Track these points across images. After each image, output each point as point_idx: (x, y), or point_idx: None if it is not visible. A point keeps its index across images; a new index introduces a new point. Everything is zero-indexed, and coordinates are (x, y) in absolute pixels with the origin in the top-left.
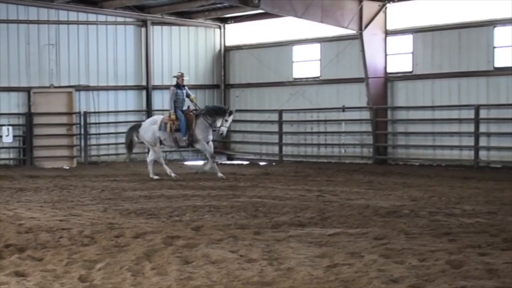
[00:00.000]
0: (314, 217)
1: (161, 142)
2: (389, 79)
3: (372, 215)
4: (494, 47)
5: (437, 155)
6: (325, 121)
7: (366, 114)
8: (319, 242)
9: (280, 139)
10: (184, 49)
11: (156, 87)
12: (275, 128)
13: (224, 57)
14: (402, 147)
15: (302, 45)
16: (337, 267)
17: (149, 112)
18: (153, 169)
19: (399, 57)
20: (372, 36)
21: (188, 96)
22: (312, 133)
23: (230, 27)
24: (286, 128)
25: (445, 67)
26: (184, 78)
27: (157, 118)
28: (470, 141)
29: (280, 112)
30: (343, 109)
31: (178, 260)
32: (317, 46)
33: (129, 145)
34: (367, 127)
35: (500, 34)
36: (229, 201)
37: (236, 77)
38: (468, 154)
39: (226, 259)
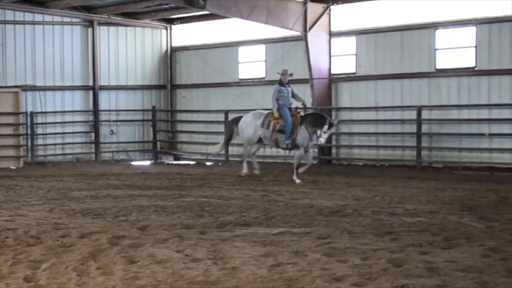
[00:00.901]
0: (259, 217)
1: (260, 140)
2: (333, 80)
3: (316, 215)
4: (436, 49)
5: (380, 155)
6: None
7: None
8: (264, 241)
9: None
10: (130, 50)
11: (103, 88)
12: (221, 128)
13: (171, 57)
14: (346, 147)
15: (248, 46)
16: (281, 266)
17: (96, 113)
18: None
19: (343, 58)
20: (316, 38)
21: (293, 96)
22: None
23: (176, 28)
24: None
25: (388, 69)
26: (288, 77)
27: (261, 113)
28: (412, 142)
29: (226, 113)
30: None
31: (123, 260)
32: (262, 47)
33: (229, 138)
34: None
35: (441, 36)
36: (175, 201)
37: (182, 77)
38: (410, 154)
39: (172, 258)
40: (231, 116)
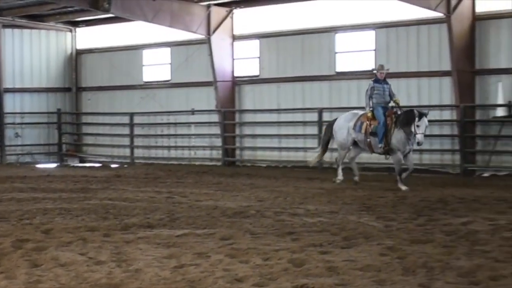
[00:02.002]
0: (163, 219)
1: (356, 144)
2: (237, 82)
3: (220, 216)
4: (336, 53)
5: (283, 156)
6: (175, 123)
7: (215, 117)
8: (167, 243)
9: (131, 141)
10: (35, 52)
11: (7, 90)
12: (126, 130)
13: (76, 60)
14: (249, 149)
15: (152, 49)
16: (184, 268)
17: (0, 115)
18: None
19: (246, 61)
20: (220, 41)
21: (391, 95)
22: (162, 135)
23: (81, 31)
24: (137, 130)
25: (289, 72)
26: (383, 72)
27: (355, 114)
28: (314, 143)
29: (131, 115)
30: (193, 112)
31: (27, 263)
32: (167, 50)
33: (326, 143)
34: (216, 130)
35: (341, 40)
36: (80, 204)
37: (88, 80)
38: (312, 156)
39: (75, 261)
40: (136, 119)
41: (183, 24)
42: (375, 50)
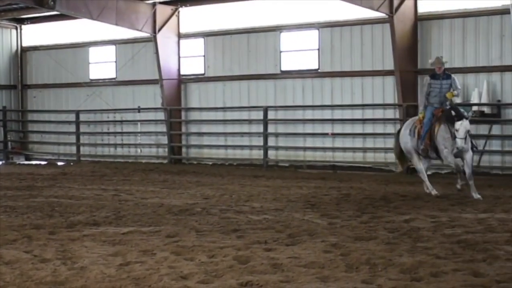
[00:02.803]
0: (109, 216)
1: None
2: (183, 81)
3: (166, 214)
4: (281, 51)
5: (229, 154)
6: (122, 121)
7: (161, 115)
8: (113, 240)
9: (78, 139)
10: None
11: None
12: (72, 128)
13: (21, 57)
14: (196, 147)
15: (98, 46)
16: (129, 265)
17: None
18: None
19: (192, 59)
20: (165, 39)
21: (454, 90)
22: (109, 133)
23: (27, 28)
24: (83, 128)
25: (235, 70)
26: (442, 65)
27: (413, 119)
28: (259, 141)
29: (77, 113)
30: (139, 110)
31: None
32: (112, 48)
33: (399, 155)
34: (162, 128)
35: (286, 39)
36: (26, 201)
37: (33, 77)
38: (257, 154)
39: (20, 259)
40: (82, 116)
41: (128, 22)
42: (319, 49)
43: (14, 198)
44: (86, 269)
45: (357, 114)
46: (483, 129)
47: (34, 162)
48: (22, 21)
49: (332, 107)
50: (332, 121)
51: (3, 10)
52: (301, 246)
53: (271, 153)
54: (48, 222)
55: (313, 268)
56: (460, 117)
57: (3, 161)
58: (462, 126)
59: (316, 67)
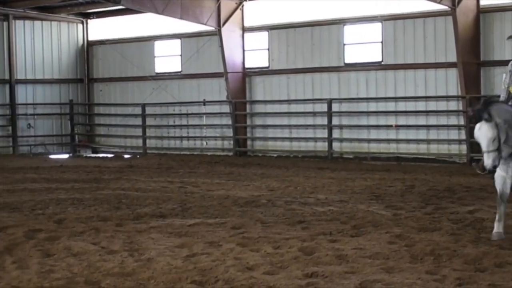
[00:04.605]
0: (175, 208)
1: None
2: (247, 74)
3: (231, 205)
4: (344, 44)
5: (293, 146)
6: (187, 114)
7: (226, 108)
8: (179, 232)
9: (144, 132)
10: (47, 44)
11: (19, 81)
12: (138, 121)
13: (87, 51)
14: (260, 139)
15: (163, 40)
16: (195, 257)
17: (12, 106)
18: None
19: (256, 53)
20: (230, 33)
21: None
22: (174, 126)
23: (92, 22)
24: (149, 121)
25: (299, 63)
26: None
27: None
28: (323, 133)
29: (143, 106)
30: (204, 103)
31: (39, 253)
32: (177, 42)
33: None
34: (227, 120)
35: (349, 32)
36: (93, 194)
37: (99, 71)
38: (322, 146)
39: (88, 251)
40: (148, 110)
41: (193, 16)
42: (382, 42)
43: (81, 191)
44: (153, 261)
45: (421, 106)
46: None
47: (100, 155)
48: (88, 16)
49: (395, 99)
50: (396, 113)
51: (70, 5)
52: (366, 237)
53: (336, 145)
54: (115, 214)
55: (377, 259)
56: (478, 118)
57: (70, 154)
58: (480, 133)
59: (379, 59)
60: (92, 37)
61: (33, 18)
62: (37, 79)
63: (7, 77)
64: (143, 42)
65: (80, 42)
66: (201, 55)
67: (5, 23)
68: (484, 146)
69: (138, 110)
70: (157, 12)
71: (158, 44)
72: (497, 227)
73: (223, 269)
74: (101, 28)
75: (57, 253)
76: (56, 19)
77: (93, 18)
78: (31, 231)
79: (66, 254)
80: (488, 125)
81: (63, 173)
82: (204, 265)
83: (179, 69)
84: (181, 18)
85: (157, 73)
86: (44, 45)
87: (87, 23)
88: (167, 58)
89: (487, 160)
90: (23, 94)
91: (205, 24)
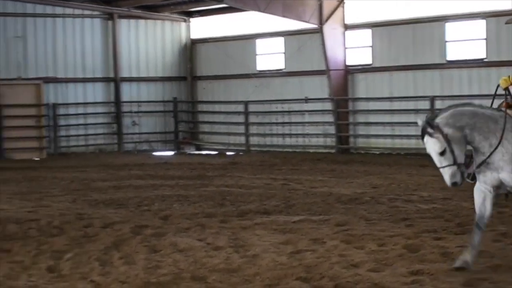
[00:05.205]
0: (279, 205)
1: None
2: (349, 71)
3: (335, 202)
4: (446, 41)
5: (396, 144)
6: (289, 112)
7: (328, 105)
8: (284, 229)
9: (247, 129)
10: (151, 42)
11: (124, 79)
12: (241, 119)
13: (191, 50)
14: (363, 137)
15: (265, 38)
16: (300, 253)
17: (117, 104)
18: None
19: (358, 50)
20: (332, 30)
21: None
22: (277, 123)
23: (195, 21)
24: (252, 119)
25: (401, 60)
26: None
27: None
28: None
29: (246, 104)
30: (306, 100)
31: (146, 249)
32: (280, 40)
33: None
34: (330, 118)
35: (452, 29)
36: (197, 191)
37: (202, 69)
38: None
39: (193, 247)
40: (251, 107)
41: (295, 14)
42: (486, 39)
43: (186, 188)
44: (258, 257)
45: None
46: None
47: (204, 152)
48: (191, 14)
49: (498, 96)
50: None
51: (173, 4)
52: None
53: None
54: (219, 211)
55: (483, 257)
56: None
57: (174, 151)
58: (427, 148)
59: (482, 56)
60: (195, 35)
61: (137, 17)
62: (141, 77)
63: (112, 75)
64: (245, 40)
65: (183, 40)
66: (303, 52)
67: (110, 22)
68: (435, 161)
69: (240, 108)
70: (259, 10)
71: (260, 42)
72: (465, 255)
73: (328, 266)
74: (204, 27)
75: (163, 249)
76: (159, 18)
77: (196, 16)
78: (137, 227)
79: (172, 250)
80: (432, 140)
81: (167, 170)
82: (309, 261)
83: (282, 66)
84: (283, 16)
85: (259, 71)
86: (148, 44)
87: (190, 22)
88: (269, 56)
89: (445, 177)
90: (127, 92)
91: (307, 22)
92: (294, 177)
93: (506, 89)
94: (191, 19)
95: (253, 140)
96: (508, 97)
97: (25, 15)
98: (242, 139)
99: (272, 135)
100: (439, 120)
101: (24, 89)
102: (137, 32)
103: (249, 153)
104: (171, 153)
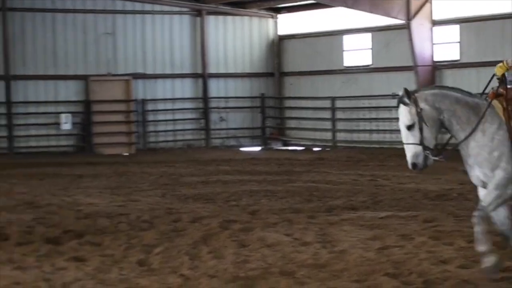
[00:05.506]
0: (366, 201)
1: None
2: (437, 67)
3: (422, 199)
4: None
5: None
6: (377, 108)
7: None
8: (371, 225)
9: (333, 125)
10: (238, 38)
11: (212, 75)
12: (328, 114)
13: (278, 46)
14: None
15: (353, 34)
16: (388, 249)
17: (205, 100)
18: None
19: (446, 46)
20: (419, 26)
21: None
22: (364, 119)
23: (282, 17)
24: (338, 114)
25: (489, 56)
26: None
27: None
28: None
29: (333, 99)
30: (394, 96)
31: (234, 243)
32: (367, 36)
33: None
34: None
35: None
36: (285, 186)
37: (289, 65)
38: None
39: (281, 242)
40: (338, 103)
41: (382, 10)
42: None
43: (273, 183)
44: (345, 253)
45: None
46: None
47: (291, 148)
48: (278, 11)
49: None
50: None
51: (260, 0)
52: None
53: None
54: (307, 206)
55: None
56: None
57: (262, 147)
58: (399, 116)
59: None
60: (282, 31)
61: (225, 14)
62: (229, 73)
63: (200, 71)
64: (332, 36)
65: (271, 36)
66: (390, 48)
67: (198, 19)
68: (402, 136)
69: (327, 104)
70: (346, 6)
71: (347, 38)
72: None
73: (416, 262)
74: (291, 23)
75: (251, 243)
76: (247, 14)
77: (284, 12)
78: (225, 221)
79: (261, 245)
80: (404, 108)
81: (254, 166)
82: (397, 257)
83: (368, 62)
84: (370, 12)
85: (346, 67)
86: (235, 40)
87: (277, 18)
88: (356, 52)
89: (407, 155)
90: (215, 87)
91: (395, 18)
92: (381, 173)
93: (503, 76)
94: (279, 15)
95: (340, 136)
96: (500, 86)
97: (115, 12)
98: (328, 135)
99: (359, 131)
100: (418, 93)
101: (114, 85)
102: (225, 29)
103: (336, 149)
104: (258, 148)
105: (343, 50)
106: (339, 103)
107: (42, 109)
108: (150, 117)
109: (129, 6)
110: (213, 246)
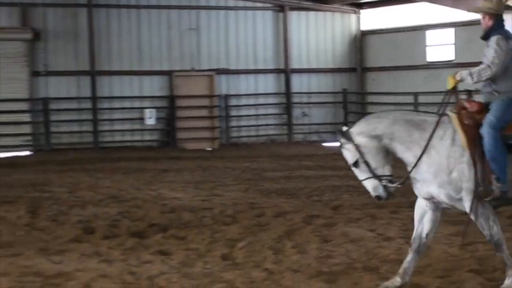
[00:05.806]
0: None
1: None
2: None
3: None
4: None
5: None
6: None
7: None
8: (455, 220)
9: None
10: (320, 34)
11: (294, 71)
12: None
13: (360, 41)
14: None
15: (436, 29)
16: (472, 245)
17: (288, 95)
18: None
19: None
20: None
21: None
22: None
23: (365, 12)
24: (421, 110)
25: None
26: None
27: None
28: None
29: (415, 95)
30: (471, 92)
31: (317, 238)
32: (451, 31)
33: None
34: None
35: None
36: None
37: (371, 60)
38: None
39: (364, 237)
40: (420, 98)
41: (465, 5)
42: None
43: (355, 178)
44: (429, 248)
45: None
46: None
47: None
48: (361, 6)
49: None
50: None
51: None
52: None
53: None
54: (390, 202)
55: None
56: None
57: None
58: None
59: None
60: (365, 27)
61: (307, 9)
62: (311, 68)
63: (282, 66)
64: (414, 31)
65: (353, 32)
66: (473, 44)
67: (281, 14)
68: (356, 173)
69: (409, 99)
70: (429, 1)
71: (429, 33)
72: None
73: (500, 258)
74: (373, 18)
75: (334, 239)
76: (330, 9)
77: (366, 8)
78: (308, 217)
79: (344, 240)
80: (344, 150)
81: (336, 161)
82: (481, 254)
83: (451, 58)
84: (452, 7)
85: (429, 62)
86: (318, 35)
87: (360, 13)
88: (439, 47)
89: (369, 190)
90: (297, 83)
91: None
92: None
93: (454, 88)
94: (361, 11)
95: None
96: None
97: (199, 7)
98: None
99: None
100: (353, 128)
101: (197, 80)
102: (307, 24)
103: None
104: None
105: (426, 45)
106: (421, 99)
107: (127, 104)
108: (233, 112)
109: (212, 1)
110: (296, 241)
